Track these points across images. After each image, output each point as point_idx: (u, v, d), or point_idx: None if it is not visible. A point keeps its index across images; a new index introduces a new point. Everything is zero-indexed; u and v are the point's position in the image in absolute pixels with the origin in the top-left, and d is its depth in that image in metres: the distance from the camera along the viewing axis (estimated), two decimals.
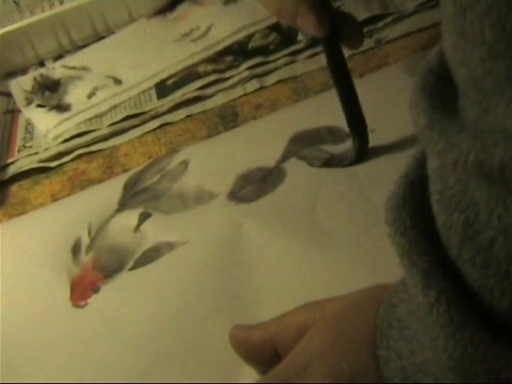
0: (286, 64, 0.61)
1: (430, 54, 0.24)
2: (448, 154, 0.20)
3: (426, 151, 0.26)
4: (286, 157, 0.51)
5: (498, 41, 0.18)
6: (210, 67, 0.63)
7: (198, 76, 0.63)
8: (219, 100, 0.60)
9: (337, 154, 0.49)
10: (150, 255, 0.46)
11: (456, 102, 0.22)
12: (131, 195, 0.52)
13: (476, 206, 0.22)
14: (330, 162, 0.49)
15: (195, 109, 0.60)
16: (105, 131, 0.60)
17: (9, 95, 0.69)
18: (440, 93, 0.22)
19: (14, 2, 0.75)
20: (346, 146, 0.50)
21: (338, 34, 0.45)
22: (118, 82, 0.65)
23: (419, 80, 0.23)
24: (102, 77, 0.67)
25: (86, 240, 0.49)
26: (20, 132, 0.64)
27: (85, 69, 0.69)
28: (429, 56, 0.24)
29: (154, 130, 0.59)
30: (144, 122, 0.60)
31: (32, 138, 0.62)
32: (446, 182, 0.23)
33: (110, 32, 0.74)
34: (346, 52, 0.61)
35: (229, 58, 0.64)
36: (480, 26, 0.19)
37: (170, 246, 0.47)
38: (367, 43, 0.61)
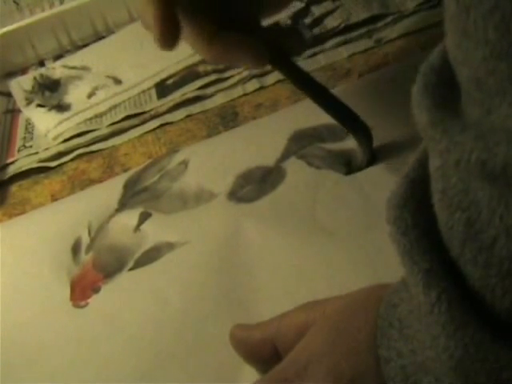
0: None
1: (432, 53, 0.24)
2: (450, 154, 0.20)
3: (427, 150, 0.26)
4: (285, 156, 0.51)
5: (502, 40, 0.18)
6: (209, 67, 0.63)
7: (198, 76, 0.63)
8: (219, 100, 0.60)
9: (353, 159, 0.49)
10: (151, 255, 0.46)
11: (458, 102, 0.22)
12: (131, 195, 0.52)
13: (478, 205, 0.22)
14: (353, 170, 0.48)
15: (195, 109, 0.60)
16: (105, 131, 0.60)
17: (9, 95, 0.69)
18: (442, 92, 0.22)
19: (14, 2, 0.75)
20: (346, 144, 0.50)
21: (282, 52, 0.45)
22: (118, 81, 0.65)
23: (421, 79, 0.23)
24: (102, 77, 0.67)
25: (86, 240, 0.49)
26: (20, 132, 0.64)
27: (85, 69, 0.69)
28: (431, 55, 0.24)
29: (153, 129, 0.59)
30: (144, 122, 0.60)
31: (32, 138, 0.62)
32: (447, 182, 0.23)
33: (110, 32, 0.74)
34: (346, 52, 0.61)
35: None
36: (483, 25, 0.19)
37: (170, 246, 0.46)
38: (367, 43, 0.61)
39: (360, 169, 0.48)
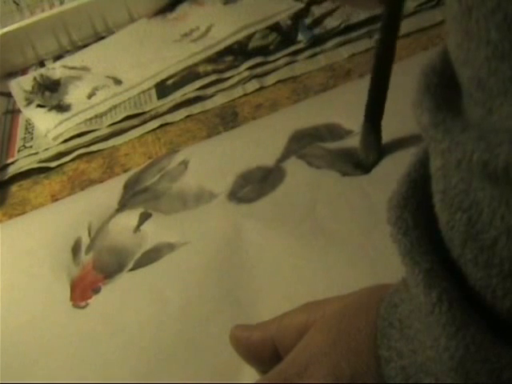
0: (286, 64, 0.62)
1: (433, 53, 0.24)
2: (452, 154, 0.20)
3: (428, 150, 0.26)
4: (285, 156, 0.51)
5: (504, 41, 0.18)
6: (209, 67, 0.63)
7: (198, 76, 0.63)
8: (219, 100, 0.60)
9: (357, 158, 0.48)
10: (151, 256, 0.46)
11: (460, 102, 0.22)
12: (131, 195, 0.52)
13: (479, 205, 0.22)
14: (365, 169, 0.48)
15: (195, 109, 0.60)
16: (105, 131, 0.60)
17: (9, 95, 0.69)
18: (444, 92, 0.22)
19: (14, 2, 0.75)
20: (345, 143, 0.50)
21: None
22: (118, 82, 0.65)
23: (423, 79, 0.23)
24: (101, 77, 0.67)
25: (86, 240, 0.49)
26: (20, 132, 0.64)
27: (85, 69, 0.69)
28: (432, 55, 0.24)
29: (154, 130, 0.59)
30: (144, 122, 0.60)
31: (32, 138, 0.62)
32: (449, 182, 0.23)
33: (110, 32, 0.74)
34: (346, 52, 0.61)
35: (229, 58, 0.64)
36: (485, 25, 0.19)
37: (170, 247, 0.46)
38: (367, 43, 0.61)
39: (367, 169, 0.47)
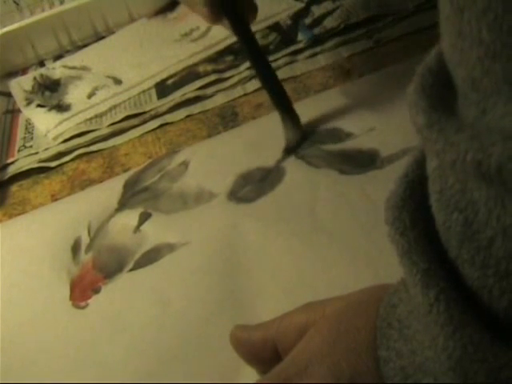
0: (286, 64, 0.62)
1: (429, 54, 0.24)
2: (446, 154, 0.20)
3: (425, 151, 0.26)
4: (285, 156, 0.51)
5: (495, 41, 0.18)
6: (209, 67, 0.63)
7: (198, 76, 0.63)
8: (219, 100, 0.60)
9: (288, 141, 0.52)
10: (151, 256, 0.46)
11: (454, 102, 0.22)
12: (131, 195, 0.52)
13: (475, 205, 0.22)
14: (289, 150, 0.51)
15: (195, 109, 0.60)
16: (105, 131, 0.60)
17: (9, 95, 0.69)
18: (439, 93, 0.22)
19: (14, 2, 0.75)
20: (346, 144, 0.50)
21: (242, 18, 0.51)
22: (118, 81, 0.66)
23: (418, 80, 0.23)
24: (101, 77, 0.67)
25: (85, 240, 0.49)
26: (20, 132, 0.64)
27: (85, 69, 0.69)
28: (428, 56, 0.24)
29: (154, 129, 0.59)
30: (144, 122, 0.60)
31: (32, 138, 0.62)
32: (445, 182, 0.23)
33: (110, 32, 0.74)
34: (346, 52, 0.61)
35: (229, 58, 0.64)
36: (477, 25, 0.19)
37: (170, 247, 0.46)
38: (367, 43, 0.61)
39: (293, 149, 0.51)
